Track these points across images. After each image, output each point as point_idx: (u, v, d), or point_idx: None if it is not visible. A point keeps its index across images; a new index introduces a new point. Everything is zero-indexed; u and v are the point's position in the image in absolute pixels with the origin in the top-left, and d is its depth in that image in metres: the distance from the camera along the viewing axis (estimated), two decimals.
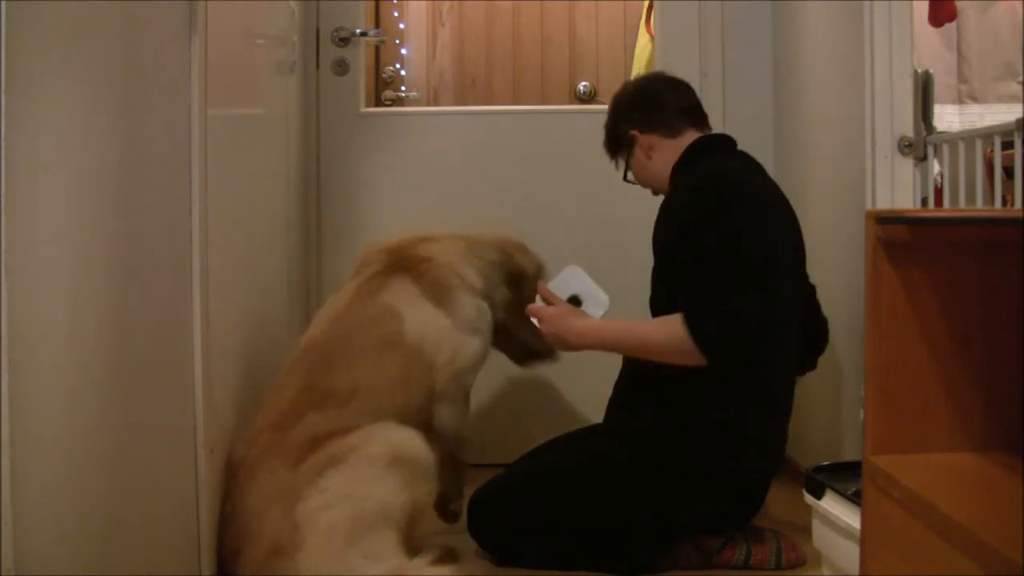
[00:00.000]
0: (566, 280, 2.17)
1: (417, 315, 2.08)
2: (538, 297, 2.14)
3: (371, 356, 2.02)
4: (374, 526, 1.80)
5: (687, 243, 1.99)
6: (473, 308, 2.16)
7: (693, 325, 1.90)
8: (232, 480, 1.88)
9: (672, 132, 2.20)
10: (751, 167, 2.15)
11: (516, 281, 2.23)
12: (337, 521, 1.77)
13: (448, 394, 2.09)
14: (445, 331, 2.09)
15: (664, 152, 2.19)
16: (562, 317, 2.09)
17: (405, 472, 1.86)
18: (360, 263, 2.20)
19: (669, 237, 2.06)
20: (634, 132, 2.22)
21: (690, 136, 2.20)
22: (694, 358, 1.92)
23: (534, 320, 2.12)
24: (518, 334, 2.31)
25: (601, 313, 2.14)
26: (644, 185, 2.28)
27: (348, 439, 1.87)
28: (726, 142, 2.22)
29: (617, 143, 2.27)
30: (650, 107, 2.22)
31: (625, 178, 2.30)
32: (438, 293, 2.12)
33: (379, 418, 1.94)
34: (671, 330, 1.93)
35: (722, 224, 1.95)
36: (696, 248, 1.96)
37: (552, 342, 2.11)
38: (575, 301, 2.15)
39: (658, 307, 2.10)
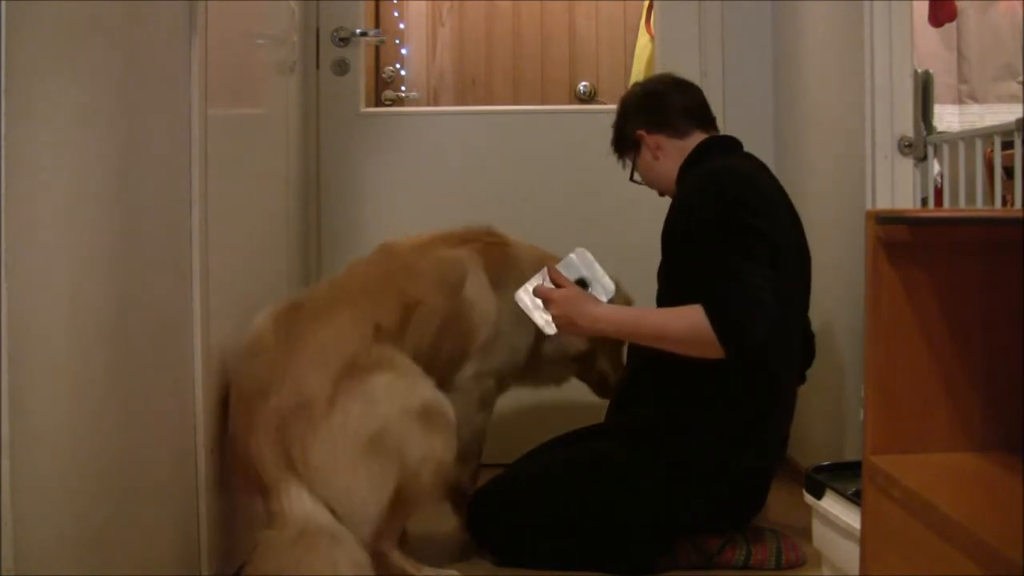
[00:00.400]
0: (574, 262, 2.11)
1: (476, 283, 2.14)
2: (547, 278, 2.08)
3: (437, 290, 2.08)
4: (390, 454, 1.81)
5: (693, 242, 1.98)
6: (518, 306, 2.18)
7: (714, 313, 1.86)
8: (295, 315, 1.92)
9: (679, 133, 2.19)
10: (757, 167, 2.15)
11: None
12: (368, 424, 1.81)
13: (477, 364, 2.15)
14: (492, 308, 2.14)
15: (671, 153, 2.19)
16: (573, 300, 2.03)
17: (431, 422, 1.88)
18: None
19: (676, 236, 2.06)
20: (641, 132, 2.21)
21: (697, 137, 2.19)
22: (710, 348, 1.88)
23: (525, 300, 2.06)
24: (599, 365, 2.37)
25: (605, 300, 2.07)
26: (651, 186, 2.28)
27: (404, 358, 1.93)
28: (732, 143, 2.22)
29: (624, 143, 2.27)
30: (656, 108, 2.22)
31: (632, 178, 2.29)
32: (496, 275, 2.17)
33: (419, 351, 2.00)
34: (690, 318, 1.89)
35: (730, 222, 1.95)
36: (703, 246, 1.95)
37: (561, 324, 2.04)
38: (581, 285, 2.09)
39: (664, 303, 2.09)
